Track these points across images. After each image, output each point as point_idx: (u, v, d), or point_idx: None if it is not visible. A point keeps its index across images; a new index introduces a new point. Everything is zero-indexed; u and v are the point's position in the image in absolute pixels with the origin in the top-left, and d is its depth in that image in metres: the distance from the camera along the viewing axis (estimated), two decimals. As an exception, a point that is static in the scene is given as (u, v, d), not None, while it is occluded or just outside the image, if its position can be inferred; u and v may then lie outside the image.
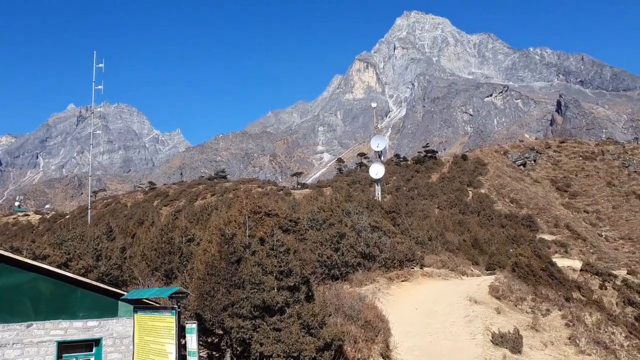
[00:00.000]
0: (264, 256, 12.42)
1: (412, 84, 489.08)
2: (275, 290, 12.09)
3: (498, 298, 15.99)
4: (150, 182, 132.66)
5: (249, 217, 14.42)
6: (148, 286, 16.99)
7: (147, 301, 11.24)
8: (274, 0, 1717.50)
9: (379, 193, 35.03)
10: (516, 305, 15.90)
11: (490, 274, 23.43)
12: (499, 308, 14.86)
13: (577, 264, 41.78)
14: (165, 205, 77.78)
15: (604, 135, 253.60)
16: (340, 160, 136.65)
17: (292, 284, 12.31)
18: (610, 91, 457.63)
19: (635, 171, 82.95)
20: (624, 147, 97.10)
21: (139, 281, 18.32)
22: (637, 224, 67.61)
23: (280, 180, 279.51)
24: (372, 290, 16.68)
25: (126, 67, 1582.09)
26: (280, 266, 12.27)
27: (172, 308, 10.41)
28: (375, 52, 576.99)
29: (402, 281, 18.43)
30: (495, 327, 13.85)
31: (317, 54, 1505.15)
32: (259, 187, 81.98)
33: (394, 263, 20.62)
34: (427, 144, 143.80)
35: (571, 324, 14.83)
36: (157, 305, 11.34)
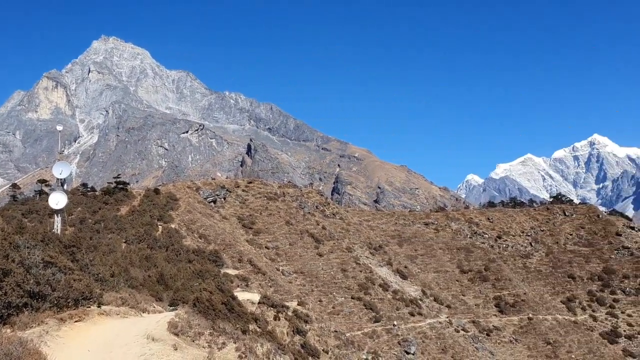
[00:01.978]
0: None
1: (107, 111, 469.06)
2: None
3: (176, 334, 15.91)
4: None
5: None
6: None
7: None
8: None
9: (59, 225, 31.97)
10: (194, 341, 16.06)
11: (173, 310, 23.33)
12: (177, 344, 14.77)
13: (256, 297, 44.64)
14: None
15: (285, 179, 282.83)
16: (15, 185, 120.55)
17: None
18: (292, 140, 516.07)
19: (309, 212, 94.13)
20: (301, 190, 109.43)
21: None
22: (308, 259, 76.41)
23: None
24: (38, 333, 14.84)
25: None
26: None
27: None
28: (67, 71, 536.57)
29: (76, 322, 16.89)
30: (172, 365, 13.76)
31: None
32: None
33: (68, 302, 18.84)
34: (119, 174, 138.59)
35: (244, 355, 15.61)
36: None
